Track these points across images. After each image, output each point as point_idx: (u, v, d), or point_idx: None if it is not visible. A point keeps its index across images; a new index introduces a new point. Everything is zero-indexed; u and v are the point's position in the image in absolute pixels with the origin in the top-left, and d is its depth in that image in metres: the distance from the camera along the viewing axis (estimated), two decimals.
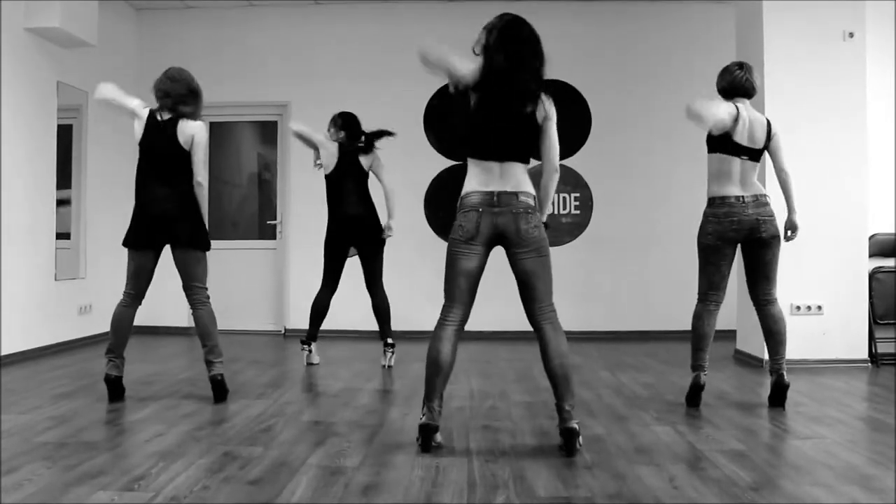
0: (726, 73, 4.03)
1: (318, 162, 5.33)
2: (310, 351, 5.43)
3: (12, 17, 5.49)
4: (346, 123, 5.32)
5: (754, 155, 3.97)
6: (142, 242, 4.08)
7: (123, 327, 4.10)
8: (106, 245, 6.80)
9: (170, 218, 4.06)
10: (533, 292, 3.12)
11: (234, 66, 7.34)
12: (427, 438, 3.09)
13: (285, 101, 7.40)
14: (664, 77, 7.26)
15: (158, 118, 4.09)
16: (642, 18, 7.32)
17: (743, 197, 3.92)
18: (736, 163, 3.93)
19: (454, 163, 7.28)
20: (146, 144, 4.09)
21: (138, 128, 4.10)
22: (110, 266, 6.82)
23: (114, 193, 6.91)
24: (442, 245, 6.90)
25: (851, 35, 5.36)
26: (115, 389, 4.09)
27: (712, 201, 3.99)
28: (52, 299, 6.02)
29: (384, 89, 7.21)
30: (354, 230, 5.27)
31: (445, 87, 7.28)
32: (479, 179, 3.11)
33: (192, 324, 7.16)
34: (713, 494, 2.56)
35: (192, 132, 4.08)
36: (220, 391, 4.11)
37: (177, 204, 4.08)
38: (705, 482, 2.69)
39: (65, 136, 6.24)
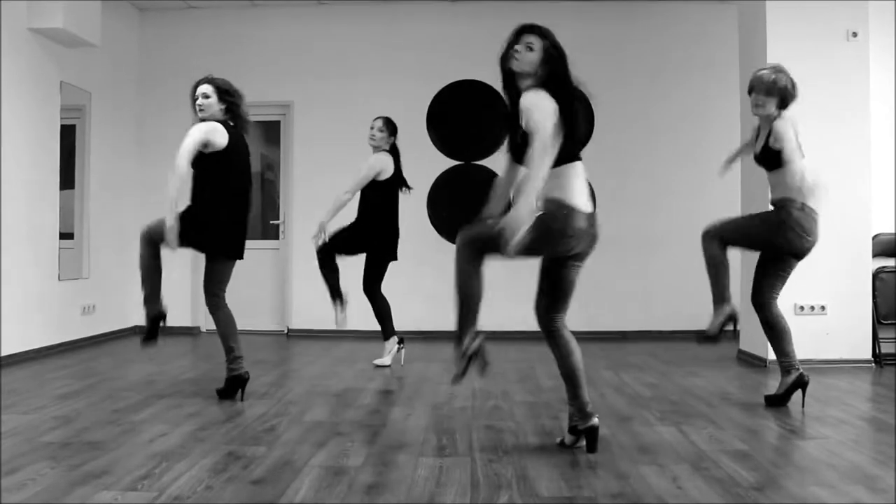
0: (775, 84, 3.90)
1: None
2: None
3: (15, 18, 5.50)
4: (395, 128, 5.37)
5: None
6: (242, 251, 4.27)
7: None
8: (109, 245, 6.81)
9: (245, 227, 4.27)
10: (568, 300, 3.13)
11: (236, 65, 7.29)
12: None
13: (288, 101, 7.41)
14: (666, 77, 7.25)
15: (231, 125, 4.15)
16: (643, 18, 7.31)
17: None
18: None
19: (457, 162, 7.28)
20: (233, 151, 4.10)
21: (220, 139, 4.04)
22: (113, 266, 6.83)
23: (117, 193, 6.93)
24: (443, 245, 6.94)
25: (855, 35, 5.35)
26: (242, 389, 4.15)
27: (803, 207, 3.81)
28: (56, 299, 6.02)
29: (387, 88, 7.21)
30: (397, 233, 5.35)
31: (447, 87, 7.31)
32: (582, 190, 2.96)
33: (195, 324, 7.32)
34: (716, 494, 2.56)
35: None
36: (242, 389, 4.14)
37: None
38: (708, 482, 2.69)
39: (68, 136, 6.25)
